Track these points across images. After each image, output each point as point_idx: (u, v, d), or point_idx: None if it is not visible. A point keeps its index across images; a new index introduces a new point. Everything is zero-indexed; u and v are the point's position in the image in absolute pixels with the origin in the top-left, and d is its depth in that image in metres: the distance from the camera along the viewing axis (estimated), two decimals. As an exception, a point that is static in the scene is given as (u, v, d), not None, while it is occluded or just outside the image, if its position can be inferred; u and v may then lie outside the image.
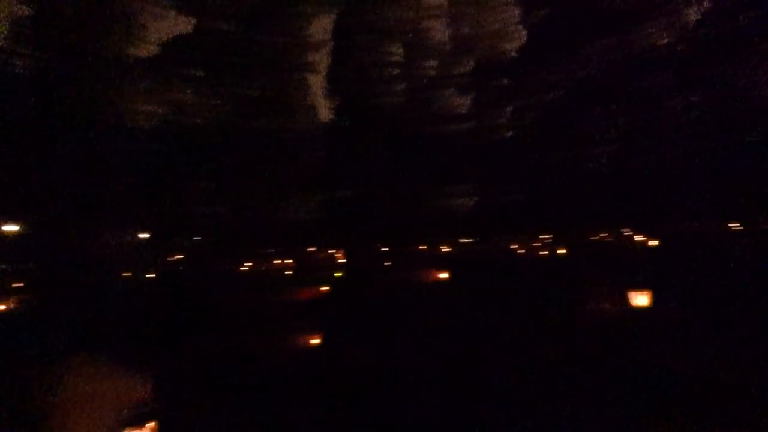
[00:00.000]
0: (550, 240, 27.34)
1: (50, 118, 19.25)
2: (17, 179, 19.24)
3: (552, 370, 6.69)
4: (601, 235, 25.94)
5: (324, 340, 9.45)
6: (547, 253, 24.37)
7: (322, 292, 16.68)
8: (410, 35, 25.96)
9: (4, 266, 19.06)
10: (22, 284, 16.56)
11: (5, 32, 20.35)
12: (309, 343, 9.55)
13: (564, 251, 23.24)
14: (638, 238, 23.61)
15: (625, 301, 9.93)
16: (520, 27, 28.38)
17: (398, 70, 25.45)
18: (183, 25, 25.61)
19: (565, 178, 27.06)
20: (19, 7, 20.24)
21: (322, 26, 27.76)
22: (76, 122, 19.86)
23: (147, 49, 23.92)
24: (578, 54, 26.24)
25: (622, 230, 24.66)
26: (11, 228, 19.86)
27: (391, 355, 8.28)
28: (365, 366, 7.71)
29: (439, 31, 28.75)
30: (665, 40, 23.44)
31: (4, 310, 13.13)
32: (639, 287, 10.58)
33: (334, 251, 26.44)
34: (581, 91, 26.30)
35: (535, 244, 27.62)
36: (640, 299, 10.54)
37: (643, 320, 9.41)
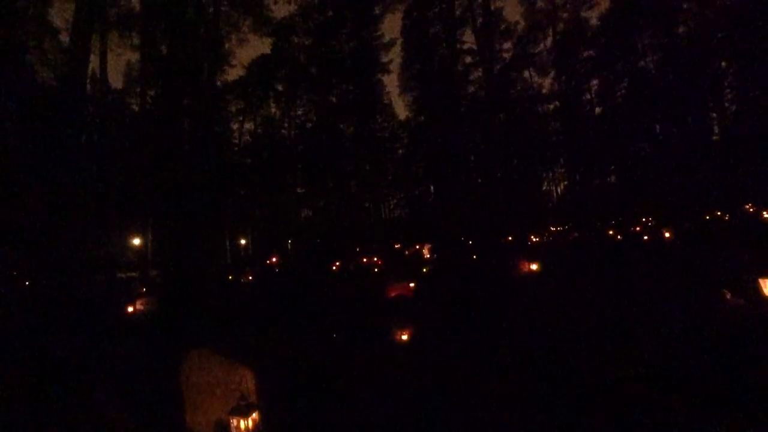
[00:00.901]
0: (653, 223, 25.82)
1: (155, 145, 21.98)
2: (133, 200, 22.41)
3: (660, 378, 6.22)
4: (716, 213, 22.93)
5: (414, 335, 9.71)
6: (648, 238, 22.29)
7: (410, 287, 16.97)
8: (480, 20, 25.16)
9: (132, 274, 22.52)
10: (145, 288, 19.32)
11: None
12: (400, 338, 9.86)
13: (670, 235, 20.86)
14: (766, 214, 20.49)
15: (755, 291, 8.81)
16: (602, -11, 25.90)
17: (472, 58, 24.82)
18: (263, 46, 27.65)
19: (666, 153, 24.32)
20: (130, 54, 23.42)
21: (391, 26, 28.03)
22: (178, 147, 22.43)
23: (235, 73, 26.29)
24: (673, 9, 23.19)
25: (743, 206, 21.60)
26: (136, 241, 23.38)
27: (483, 351, 8.28)
28: (457, 362, 7.82)
29: (511, 10, 27.37)
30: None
31: (134, 311, 15.22)
32: (771, 273, 9.20)
33: (420, 246, 26.81)
34: (680, 54, 23.23)
35: (635, 229, 25.23)
36: (777, 289, 9.12)
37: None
